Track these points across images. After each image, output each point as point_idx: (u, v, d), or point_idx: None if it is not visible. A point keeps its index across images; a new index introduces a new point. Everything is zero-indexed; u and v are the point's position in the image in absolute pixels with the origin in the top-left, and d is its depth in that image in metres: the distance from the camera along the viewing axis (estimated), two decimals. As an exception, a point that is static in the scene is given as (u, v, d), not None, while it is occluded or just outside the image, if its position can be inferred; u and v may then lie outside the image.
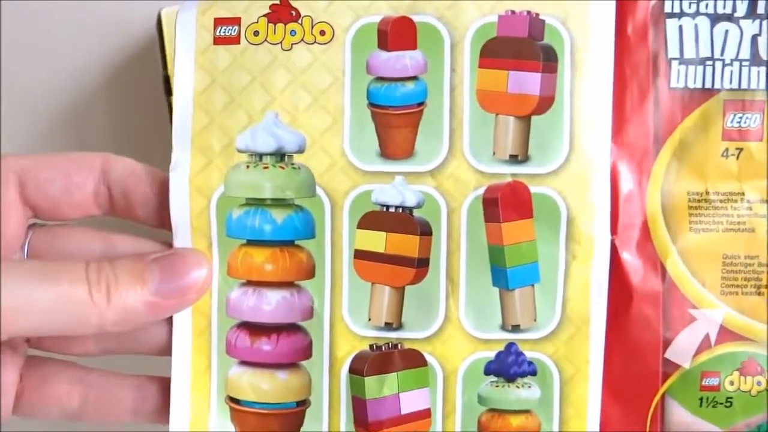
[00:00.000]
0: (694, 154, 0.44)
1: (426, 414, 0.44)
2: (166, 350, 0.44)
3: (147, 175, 0.44)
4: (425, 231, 0.44)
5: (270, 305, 0.44)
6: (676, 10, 0.44)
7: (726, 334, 0.44)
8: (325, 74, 0.43)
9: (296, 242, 0.44)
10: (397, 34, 0.43)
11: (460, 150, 0.43)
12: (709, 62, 0.44)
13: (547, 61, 0.43)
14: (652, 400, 0.44)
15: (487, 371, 0.44)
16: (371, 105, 0.44)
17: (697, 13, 0.44)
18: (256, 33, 0.43)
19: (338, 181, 0.44)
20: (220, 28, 0.43)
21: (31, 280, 0.39)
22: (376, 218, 0.44)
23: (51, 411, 0.45)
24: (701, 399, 0.44)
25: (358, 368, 0.44)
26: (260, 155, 0.43)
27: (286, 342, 0.44)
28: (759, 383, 0.44)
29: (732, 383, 0.44)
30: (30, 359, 0.45)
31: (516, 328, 0.44)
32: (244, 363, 0.44)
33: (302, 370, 0.45)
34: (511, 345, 0.44)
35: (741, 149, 0.44)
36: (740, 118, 0.44)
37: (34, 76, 0.58)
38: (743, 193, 0.44)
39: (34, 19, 0.58)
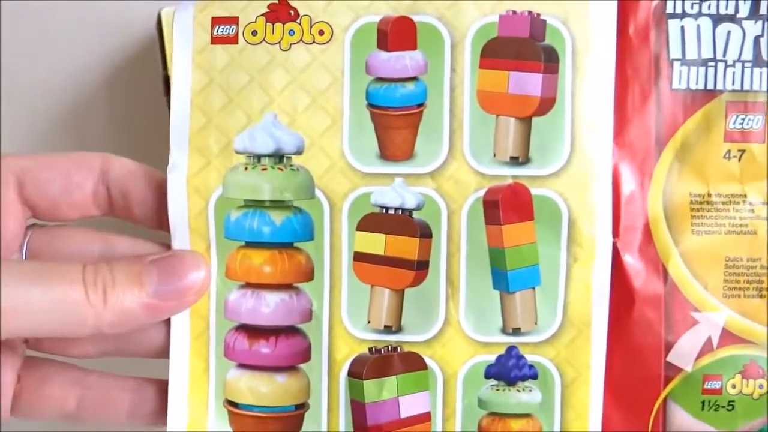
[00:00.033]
0: (696, 156, 0.44)
1: (426, 418, 0.44)
2: (165, 353, 0.44)
3: (145, 176, 0.44)
4: (425, 233, 0.43)
5: (268, 307, 0.44)
6: (678, 10, 0.44)
7: (728, 337, 0.44)
8: (324, 75, 0.43)
9: (295, 244, 0.44)
10: (397, 34, 0.43)
11: (461, 151, 0.43)
12: (712, 63, 0.44)
13: (549, 61, 0.43)
14: (653, 404, 0.44)
15: (488, 375, 0.44)
16: (371, 106, 0.43)
17: (700, 14, 0.44)
18: (254, 32, 0.43)
19: (337, 182, 0.43)
20: (217, 27, 0.43)
21: (28, 280, 0.39)
22: (376, 220, 0.43)
23: (48, 412, 0.45)
24: (703, 402, 0.44)
25: (357, 371, 0.44)
26: (258, 156, 0.43)
27: (284, 345, 0.44)
28: (761, 386, 0.44)
29: (734, 386, 0.44)
30: (28, 360, 0.45)
31: (517, 332, 0.44)
32: (243, 366, 0.44)
33: (301, 373, 0.44)
34: (511, 348, 0.44)
35: (743, 151, 0.43)
36: (742, 119, 0.43)
37: (34, 76, 0.58)
38: (745, 195, 0.43)
39: (34, 19, 0.58)
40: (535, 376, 0.44)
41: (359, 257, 0.44)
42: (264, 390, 0.44)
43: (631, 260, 0.43)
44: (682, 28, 0.44)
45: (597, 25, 0.43)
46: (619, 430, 0.44)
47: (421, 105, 0.43)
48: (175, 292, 0.42)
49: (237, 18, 0.43)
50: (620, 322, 0.43)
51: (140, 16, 0.55)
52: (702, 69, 0.44)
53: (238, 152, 0.43)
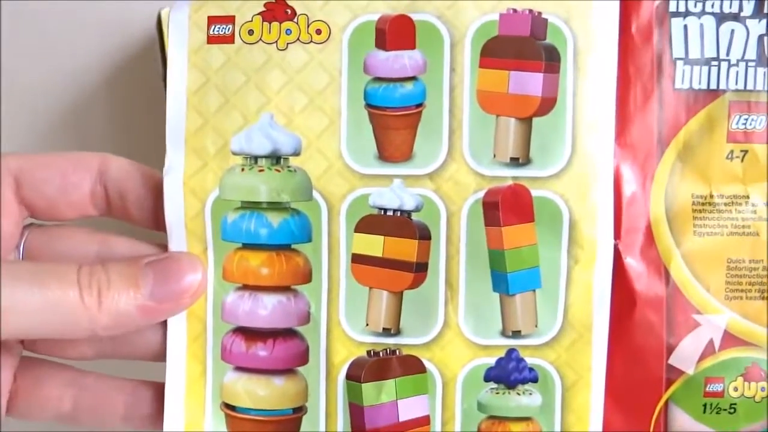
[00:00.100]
0: (699, 156, 0.43)
1: (425, 421, 0.44)
2: (161, 355, 0.44)
3: (143, 177, 0.44)
4: (424, 235, 0.43)
5: (266, 310, 0.44)
6: (681, 9, 0.43)
7: (730, 339, 0.44)
8: (322, 74, 0.43)
9: (292, 246, 0.44)
10: (396, 33, 0.43)
11: (460, 152, 0.43)
12: (715, 62, 0.43)
13: (550, 61, 0.42)
14: (655, 407, 0.44)
15: (488, 378, 0.44)
16: (369, 106, 0.43)
17: (703, 13, 0.43)
18: (250, 32, 0.43)
19: (335, 184, 0.43)
20: (213, 26, 0.43)
21: (22, 281, 0.39)
22: (374, 222, 0.43)
23: (44, 413, 0.45)
24: (705, 405, 0.44)
25: (356, 374, 0.44)
26: (255, 158, 0.43)
27: (282, 347, 0.44)
28: (763, 389, 0.44)
29: (736, 389, 0.44)
30: (24, 361, 0.45)
31: (517, 334, 0.43)
32: (240, 369, 0.44)
33: (299, 376, 0.44)
34: (511, 351, 0.44)
35: (746, 152, 0.43)
36: (745, 119, 0.43)
37: (34, 76, 0.58)
38: (748, 196, 0.43)
39: (34, 19, 0.58)
40: (535, 379, 0.44)
41: (357, 259, 0.43)
42: (261, 393, 0.44)
43: (632, 262, 0.43)
44: (685, 26, 0.43)
45: (599, 24, 0.43)
46: (621, 433, 0.44)
47: (420, 105, 0.43)
48: (171, 294, 0.41)
49: (233, 17, 0.43)
50: (621, 325, 0.43)
51: (140, 16, 0.55)
52: (705, 68, 0.43)
53: (234, 153, 0.43)
